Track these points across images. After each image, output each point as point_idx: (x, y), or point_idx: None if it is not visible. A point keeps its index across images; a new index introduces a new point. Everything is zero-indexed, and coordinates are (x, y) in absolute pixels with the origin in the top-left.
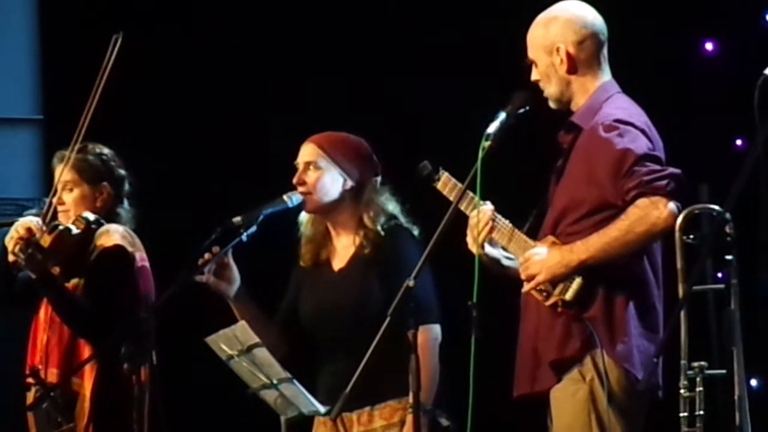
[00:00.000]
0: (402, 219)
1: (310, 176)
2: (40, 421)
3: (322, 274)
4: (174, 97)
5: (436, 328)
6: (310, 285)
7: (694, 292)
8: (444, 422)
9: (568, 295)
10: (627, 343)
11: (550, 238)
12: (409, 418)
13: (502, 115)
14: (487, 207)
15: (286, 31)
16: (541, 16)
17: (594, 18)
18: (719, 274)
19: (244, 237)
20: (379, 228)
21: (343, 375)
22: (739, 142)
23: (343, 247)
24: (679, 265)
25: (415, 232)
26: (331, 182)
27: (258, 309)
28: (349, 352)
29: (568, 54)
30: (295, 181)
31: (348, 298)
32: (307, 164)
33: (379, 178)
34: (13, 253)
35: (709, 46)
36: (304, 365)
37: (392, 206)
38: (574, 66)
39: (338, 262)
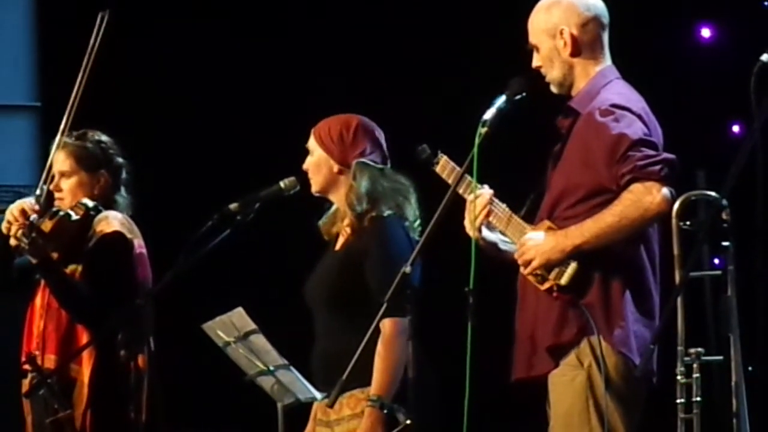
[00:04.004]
0: (389, 204)
1: (308, 161)
2: (36, 409)
3: (327, 251)
4: (170, 81)
5: (404, 322)
6: (319, 260)
7: (691, 279)
8: (401, 417)
9: (564, 280)
10: (624, 328)
11: (546, 222)
12: (368, 410)
13: (499, 101)
14: (485, 191)
15: (283, 11)
16: (543, 2)
17: (595, 1)
18: (716, 261)
19: None
20: (357, 213)
21: (315, 357)
22: (735, 128)
23: (344, 229)
24: (675, 251)
25: (406, 223)
26: (318, 165)
27: None
28: (320, 334)
29: (572, 36)
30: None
31: (326, 280)
32: (307, 149)
33: (366, 159)
34: (16, 238)
35: (705, 32)
36: None
37: (375, 188)
38: (577, 48)
39: (339, 243)
